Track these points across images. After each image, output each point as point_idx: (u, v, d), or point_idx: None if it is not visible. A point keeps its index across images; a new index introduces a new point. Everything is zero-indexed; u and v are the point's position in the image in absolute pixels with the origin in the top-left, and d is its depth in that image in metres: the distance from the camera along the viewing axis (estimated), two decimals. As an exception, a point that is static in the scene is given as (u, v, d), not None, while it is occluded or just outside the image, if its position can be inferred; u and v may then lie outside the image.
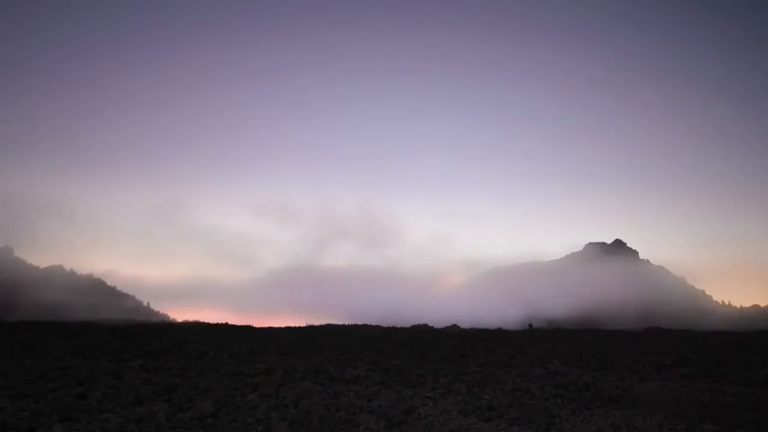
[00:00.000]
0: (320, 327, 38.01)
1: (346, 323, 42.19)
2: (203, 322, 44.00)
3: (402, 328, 36.92)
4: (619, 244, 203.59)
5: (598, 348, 26.80)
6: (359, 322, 43.99)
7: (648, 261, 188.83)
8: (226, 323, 41.14)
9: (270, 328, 37.95)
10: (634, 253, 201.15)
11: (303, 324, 40.64)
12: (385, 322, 41.42)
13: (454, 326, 38.47)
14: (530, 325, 40.27)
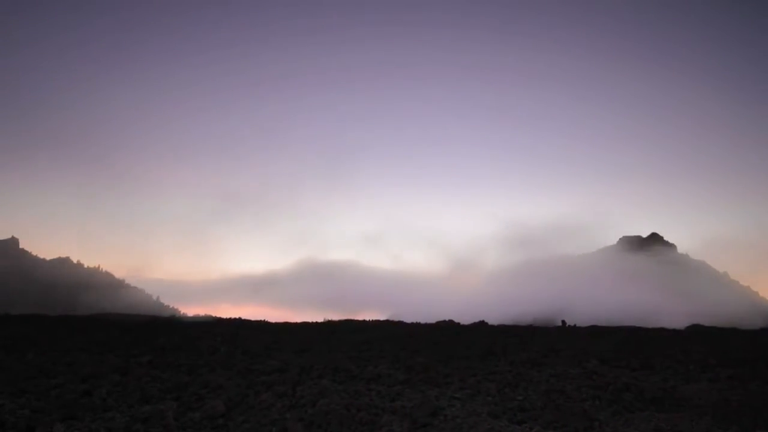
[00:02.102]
0: (339, 323, 37.84)
1: (367, 319, 41.99)
2: (215, 317, 44.12)
3: (426, 325, 36.62)
4: (655, 238, 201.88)
5: (638, 347, 26.27)
6: (381, 318, 43.85)
7: (687, 255, 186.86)
8: (240, 318, 41.19)
9: (286, 324, 37.89)
10: (672, 246, 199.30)
11: (320, 319, 40.55)
12: (408, 318, 41.20)
13: (482, 323, 38.05)
14: (563, 321, 39.76)
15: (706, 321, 51.73)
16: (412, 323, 37.57)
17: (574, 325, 37.73)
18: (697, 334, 32.90)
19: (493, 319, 42.38)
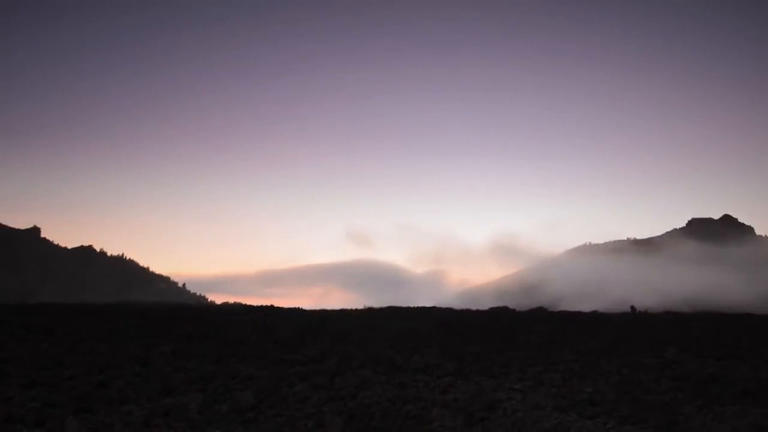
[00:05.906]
0: (380, 309, 37.31)
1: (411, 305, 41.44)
2: (245, 304, 44.13)
3: (476, 311, 35.88)
4: (728, 220, 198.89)
5: (720, 334, 25.17)
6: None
7: (766, 237, 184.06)
8: (272, 305, 41.00)
9: (322, 311, 37.63)
10: (749, 229, 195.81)
11: (360, 306, 40.19)
12: (457, 305, 40.63)
13: (541, 309, 37.11)
14: (632, 307, 38.66)
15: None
16: (462, 310, 36.90)
17: (645, 311, 36.64)
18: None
19: (552, 305, 41.56)
